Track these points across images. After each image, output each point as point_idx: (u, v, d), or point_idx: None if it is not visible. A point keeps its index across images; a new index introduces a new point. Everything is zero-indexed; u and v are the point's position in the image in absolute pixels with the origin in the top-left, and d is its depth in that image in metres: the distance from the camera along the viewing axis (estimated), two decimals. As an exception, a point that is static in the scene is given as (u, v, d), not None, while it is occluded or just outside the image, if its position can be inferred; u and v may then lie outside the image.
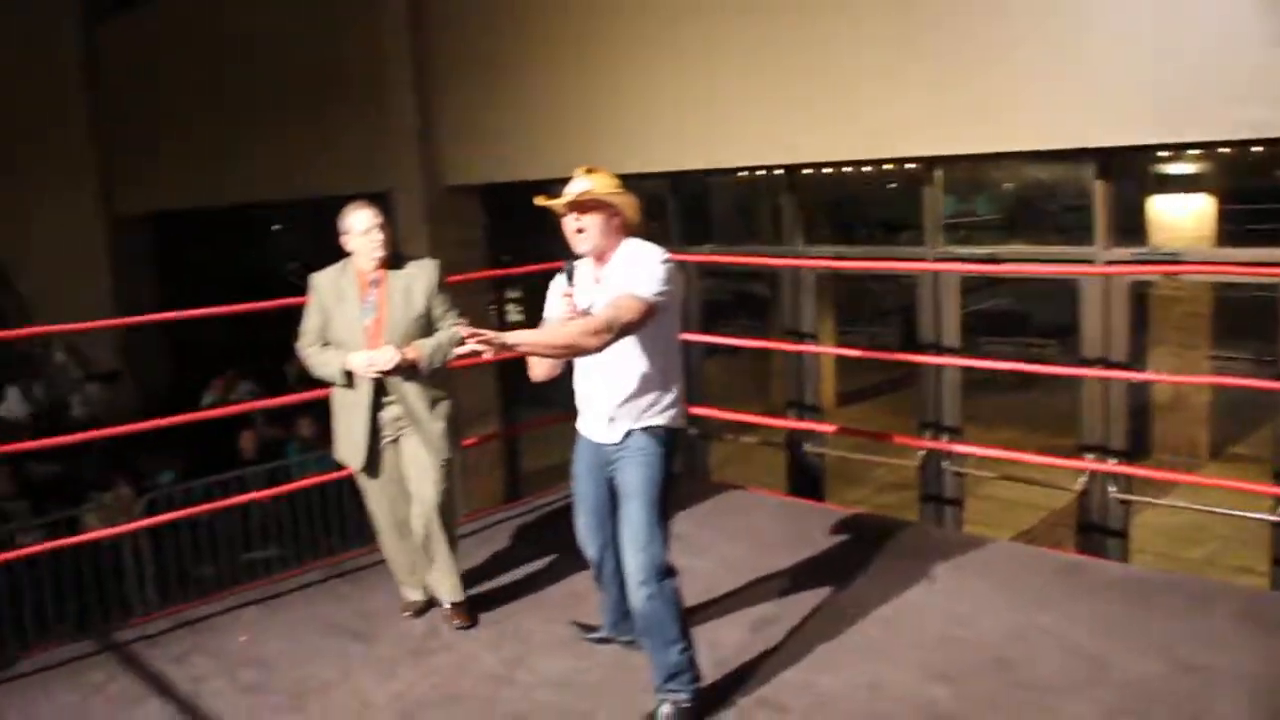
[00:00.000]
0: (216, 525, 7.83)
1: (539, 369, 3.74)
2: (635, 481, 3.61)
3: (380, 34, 9.44)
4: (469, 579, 4.72)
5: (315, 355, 4.34)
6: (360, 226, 4.24)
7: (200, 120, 12.56)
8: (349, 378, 4.28)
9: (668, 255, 3.57)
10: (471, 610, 4.48)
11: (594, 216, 3.56)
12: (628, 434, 3.65)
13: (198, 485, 7.65)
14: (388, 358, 4.16)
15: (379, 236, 4.24)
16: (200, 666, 4.19)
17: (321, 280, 4.37)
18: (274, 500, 7.82)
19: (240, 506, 7.83)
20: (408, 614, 4.55)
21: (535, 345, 3.49)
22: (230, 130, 12.06)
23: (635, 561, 3.56)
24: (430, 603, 4.58)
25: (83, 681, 4.11)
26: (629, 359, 3.59)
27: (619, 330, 3.40)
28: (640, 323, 3.44)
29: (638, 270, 3.51)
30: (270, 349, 12.73)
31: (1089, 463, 6.19)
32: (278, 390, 10.86)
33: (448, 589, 4.47)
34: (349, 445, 4.39)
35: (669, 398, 3.64)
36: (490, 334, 3.30)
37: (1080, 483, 6.25)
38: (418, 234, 9.22)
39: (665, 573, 3.57)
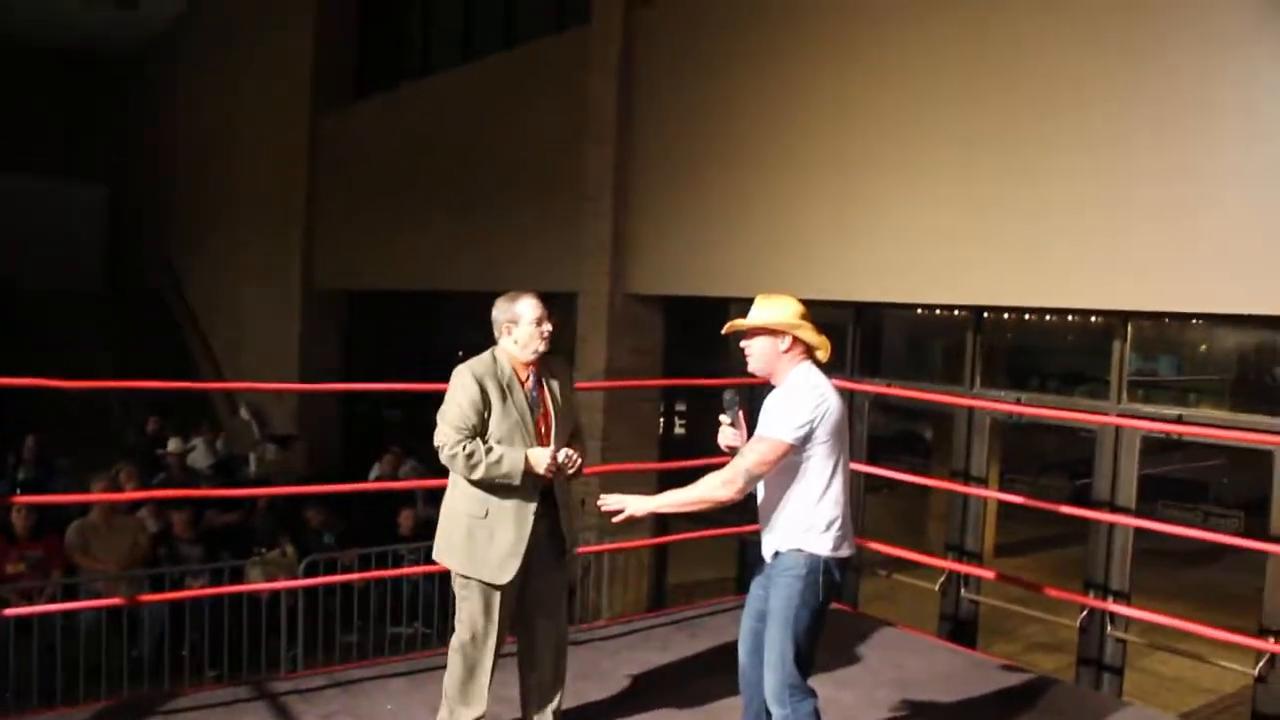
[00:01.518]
0: (369, 595, 8.02)
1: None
2: (776, 602, 3.62)
3: (584, 142, 9.75)
4: (613, 683, 4.73)
5: (482, 453, 3.82)
6: (531, 315, 3.89)
7: (400, 209, 13.28)
8: (525, 480, 3.85)
9: (818, 387, 3.58)
10: None
11: (761, 341, 3.66)
12: (776, 554, 3.67)
13: (356, 554, 7.86)
14: (566, 455, 3.85)
15: (548, 327, 3.93)
16: (346, 728, 4.30)
17: (481, 370, 3.91)
18: (425, 579, 7.97)
19: (393, 580, 8.04)
20: None
21: (676, 506, 3.71)
22: (427, 221, 12.69)
23: (770, 681, 3.60)
24: None
25: (236, 727, 4.27)
26: (782, 482, 3.61)
27: (751, 477, 3.55)
28: (774, 463, 3.52)
29: (778, 408, 3.56)
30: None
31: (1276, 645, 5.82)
32: (441, 473, 11.17)
33: (553, 711, 4.20)
34: (500, 558, 3.90)
35: (821, 523, 3.59)
36: (634, 502, 3.63)
37: (1259, 667, 5.88)
38: (596, 337, 9.42)
39: (800, 694, 3.55)
